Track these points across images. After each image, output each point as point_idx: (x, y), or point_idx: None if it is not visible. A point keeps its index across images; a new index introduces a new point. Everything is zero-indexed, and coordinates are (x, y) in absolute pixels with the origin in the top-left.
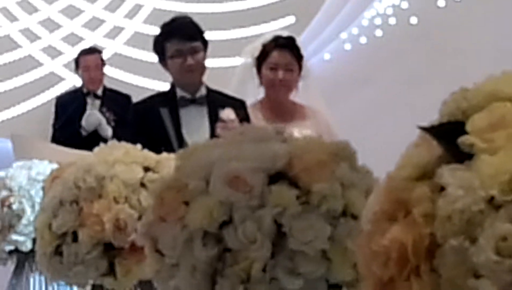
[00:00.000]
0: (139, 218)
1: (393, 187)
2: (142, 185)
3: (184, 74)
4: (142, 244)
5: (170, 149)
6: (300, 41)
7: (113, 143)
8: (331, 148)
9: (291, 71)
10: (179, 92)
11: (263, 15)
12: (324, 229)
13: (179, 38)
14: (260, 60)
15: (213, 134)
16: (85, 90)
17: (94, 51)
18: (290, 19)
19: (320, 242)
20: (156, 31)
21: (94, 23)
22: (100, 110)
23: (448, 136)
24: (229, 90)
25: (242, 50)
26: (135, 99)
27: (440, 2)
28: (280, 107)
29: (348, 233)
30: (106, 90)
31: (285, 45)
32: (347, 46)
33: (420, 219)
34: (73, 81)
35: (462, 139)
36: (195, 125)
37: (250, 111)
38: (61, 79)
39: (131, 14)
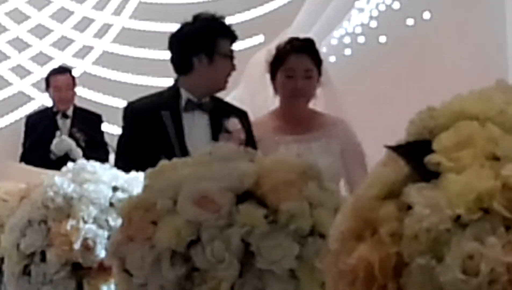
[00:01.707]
0: (108, 237)
1: (360, 206)
2: (111, 204)
3: (226, 79)
4: (110, 264)
5: (172, 158)
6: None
7: (81, 162)
8: (299, 167)
9: (310, 78)
10: (185, 94)
11: (233, 29)
12: (292, 248)
13: (233, 41)
14: (275, 65)
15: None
16: (55, 110)
17: (65, 70)
18: (259, 38)
19: (288, 261)
20: (126, 50)
21: (63, 43)
22: (70, 130)
23: (415, 155)
24: (237, 97)
25: None
26: (105, 118)
27: (409, 20)
28: (297, 117)
29: (316, 252)
30: (76, 109)
31: (303, 48)
32: None
33: (387, 238)
34: (42, 100)
35: (429, 158)
36: (198, 132)
37: (259, 122)
38: (30, 98)
39: (100, 34)
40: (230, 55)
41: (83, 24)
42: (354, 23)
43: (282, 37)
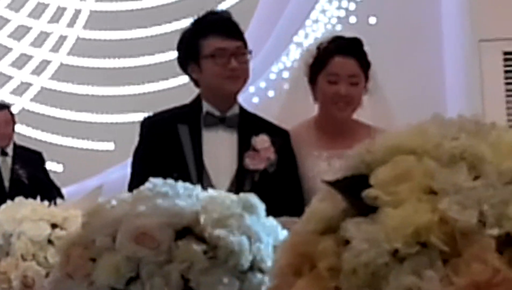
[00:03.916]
0: (47, 275)
1: (298, 241)
2: (50, 242)
3: (224, 79)
4: None
5: (187, 178)
6: None
7: (20, 200)
8: (238, 202)
9: (356, 85)
10: (206, 107)
11: (172, 65)
12: (232, 284)
13: (222, 35)
14: (315, 69)
15: (241, 166)
16: None
17: (3, 107)
18: None
19: None
20: (65, 86)
21: (1, 79)
22: (13, 168)
23: (353, 189)
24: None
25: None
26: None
27: None
28: (338, 128)
29: (256, 288)
30: (16, 147)
31: (349, 50)
32: (255, 100)
33: (325, 273)
34: None
35: (366, 193)
36: (220, 150)
37: (302, 131)
38: None
39: (38, 70)
40: (215, 54)
41: (21, 60)
42: (292, 57)
43: None
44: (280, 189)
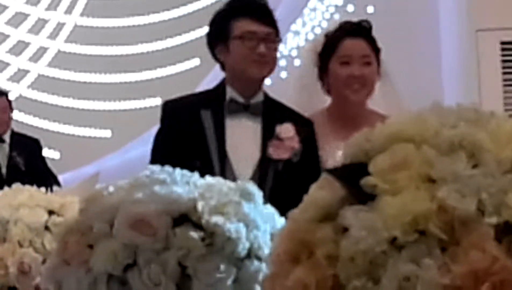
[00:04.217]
0: (44, 261)
1: (296, 228)
2: (47, 228)
3: (250, 63)
4: (46, 288)
5: (209, 166)
6: (205, 83)
7: (17, 186)
8: (236, 189)
9: (369, 65)
10: (230, 93)
11: (169, 52)
12: (229, 271)
13: (254, 19)
14: (326, 54)
15: (264, 155)
16: None
17: (0, 94)
18: (195, 62)
19: (225, 284)
20: (62, 73)
21: None
22: (10, 155)
23: (351, 177)
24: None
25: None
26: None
27: None
28: (352, 117)
29: (253, 275)
30: (14, 134)
31: (359, 31)
32: None
33: (323, 260)
34: None
35: (365, 181)
36: (243, 139)
37: (316, 121)
38: None
39: (35, 57)
40: (245, 36)
41: (19, 47)
42: (289, 46)
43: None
44: (304, 179)
